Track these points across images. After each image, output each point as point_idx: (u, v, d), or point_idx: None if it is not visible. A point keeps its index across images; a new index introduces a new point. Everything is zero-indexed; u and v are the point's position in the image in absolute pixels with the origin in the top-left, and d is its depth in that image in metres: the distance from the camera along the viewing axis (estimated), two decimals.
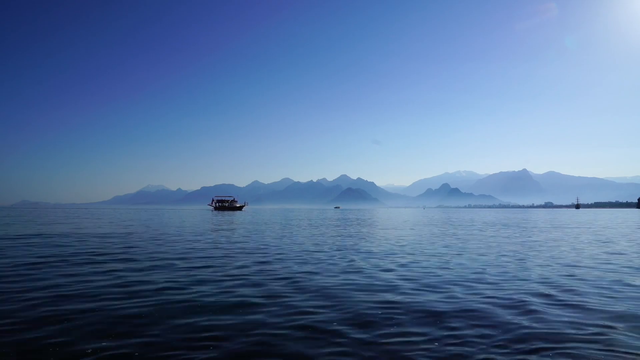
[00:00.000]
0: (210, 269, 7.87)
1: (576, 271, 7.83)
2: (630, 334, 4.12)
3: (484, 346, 3.70)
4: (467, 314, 4.72)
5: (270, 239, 14.77)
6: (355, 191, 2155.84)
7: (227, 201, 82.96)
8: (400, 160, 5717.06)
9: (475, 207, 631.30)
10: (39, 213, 57.83)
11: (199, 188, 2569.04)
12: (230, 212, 65.93)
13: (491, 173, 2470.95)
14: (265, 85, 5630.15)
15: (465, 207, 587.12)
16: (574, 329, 4.26)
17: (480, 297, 5.51)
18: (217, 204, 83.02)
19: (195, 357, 3.43)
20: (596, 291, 6.02)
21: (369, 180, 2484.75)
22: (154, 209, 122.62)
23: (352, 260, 9.23)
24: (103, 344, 3.66)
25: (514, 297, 5.52)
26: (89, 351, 3.49)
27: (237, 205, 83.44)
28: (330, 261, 9.15)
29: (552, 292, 6.00)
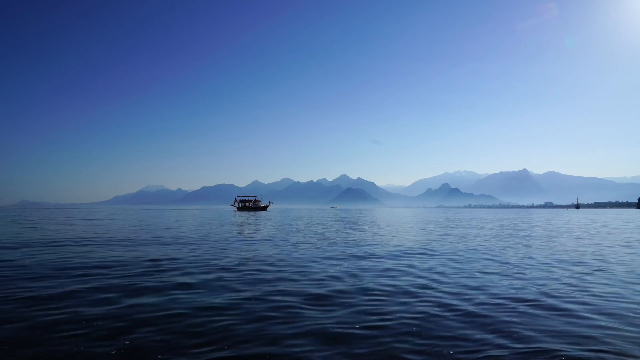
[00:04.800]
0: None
1: None
2: None
3: None
4: None
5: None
6: (355, 191, 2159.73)
7: (251, 201, 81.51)
8: (400, 160, 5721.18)
9: (475, 207, 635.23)
10: (57, 213, 60.58)
11: (199, 188, 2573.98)
12: (256, 213, 63.93)
13: (491, 173, 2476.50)
14: (265, 85, 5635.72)
15: (465, 207, 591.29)
16: None
17: None
18: (240, 204, 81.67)
19: None
20: None
21: (369, 180, 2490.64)
22: (166, 209, 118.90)
23: None
24: None
25: None
26: None
27: (261, 205, 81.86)
28: None
29: None
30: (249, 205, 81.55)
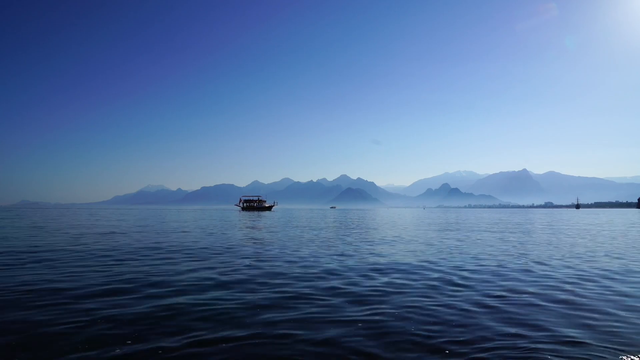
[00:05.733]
0: None
1: None
2: None
3: None
4: None
5: None
6: (355, 191, 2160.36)
7: (255, 201, 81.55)
8: (400, 160, 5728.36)
9: (475, 207, 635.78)
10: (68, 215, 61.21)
11: (199, 188, 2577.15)
12: (261, 213, 63.50)
13: (491, 173, 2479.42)
14: (265, 85, 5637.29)
15: (465, 207, 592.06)
16: None
17: None
18: (244, 204, 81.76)
19: None
20: None
21: (369, 180, 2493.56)
22: (170, 209, 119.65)
23: None
24: None
25: None
26: None
27: (266, 205, 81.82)
28: None
29: None
30: (254, 205, 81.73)
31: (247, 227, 24.28)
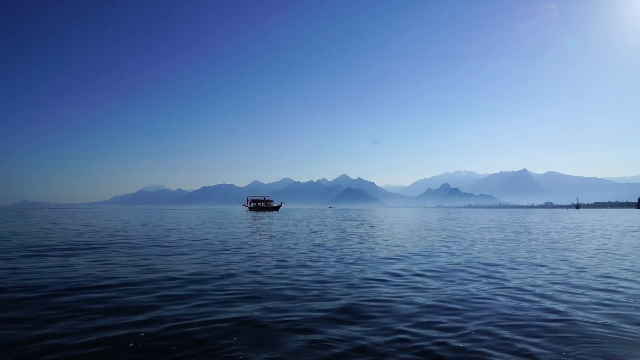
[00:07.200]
0: None
1: None
2: None
3: None
4: None
5: None
6: (355, 191, 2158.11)
7: (262, 201, 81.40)
8: (400, 160, 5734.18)
9: (475, 207, 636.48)
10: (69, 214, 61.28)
11: (199, 188, 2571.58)
12: (268, 213, 63.16)
13: (491, 173, 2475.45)
14: (265, 85, 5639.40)
15: (465, 207, 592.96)
16: None
17: None
18: (251, 204, 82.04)
19: None
20: None
21: (369, 180, 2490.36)
22: (169, 209, 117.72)
23: None
24: None
25: None
26: None
27: (273, 205, 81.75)
28: None
29: None
30: (261, 205, 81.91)
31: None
